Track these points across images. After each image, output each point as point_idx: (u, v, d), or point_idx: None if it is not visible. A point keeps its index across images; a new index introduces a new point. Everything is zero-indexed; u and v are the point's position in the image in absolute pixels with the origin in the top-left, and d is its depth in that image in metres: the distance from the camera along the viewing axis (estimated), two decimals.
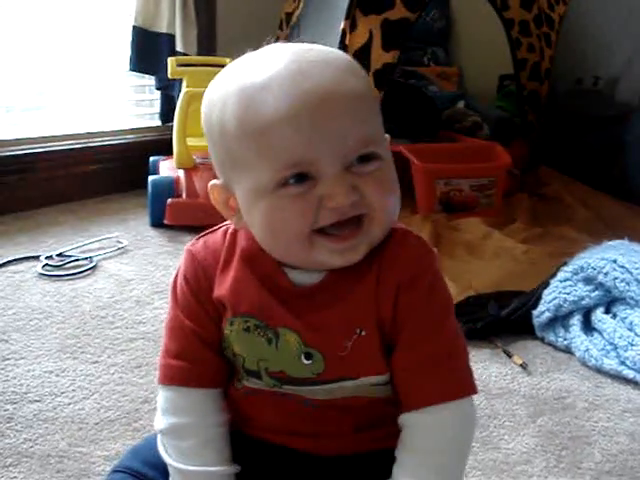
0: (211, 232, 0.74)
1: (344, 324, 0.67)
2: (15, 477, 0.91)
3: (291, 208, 0.62)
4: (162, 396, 0.73)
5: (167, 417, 0.71)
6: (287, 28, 2.42)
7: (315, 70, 0.62)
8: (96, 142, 2.42)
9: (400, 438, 0.68)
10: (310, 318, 0.68)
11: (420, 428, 0.67)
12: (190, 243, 0.74)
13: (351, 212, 0.62)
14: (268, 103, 0.61)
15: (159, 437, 0.72)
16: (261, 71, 0.63)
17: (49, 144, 2.28)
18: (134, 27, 2.42)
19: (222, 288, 0.70)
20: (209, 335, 0.71)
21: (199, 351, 0.71)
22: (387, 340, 0.68)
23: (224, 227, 0.74)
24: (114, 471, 0.76)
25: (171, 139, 2.16)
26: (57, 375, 1.17)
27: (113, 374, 1.19)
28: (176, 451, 0.71)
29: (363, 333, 0.67)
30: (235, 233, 0.72)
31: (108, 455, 0.96)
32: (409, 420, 0.68)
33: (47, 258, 1.70)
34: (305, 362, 0.68)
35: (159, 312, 1.45)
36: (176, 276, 0.73)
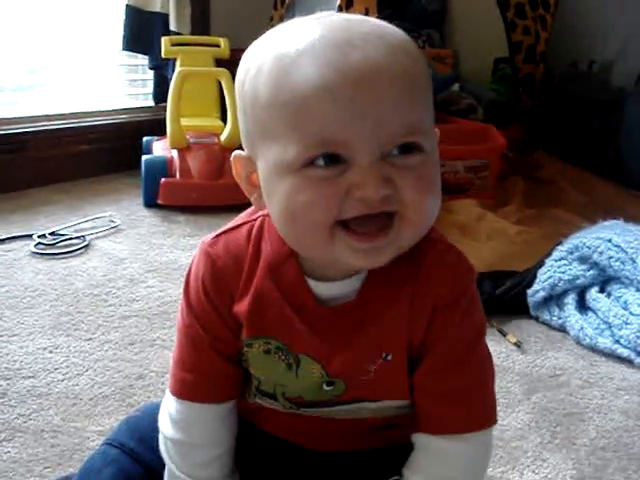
0: (233, 229, 0.66)
1: (371, 349, 0.63)
2: (8, 452, 0.91)
3: (315, 192, 0.54)
4: (173, 405, 0.68)
5: (177, 430, 0.68)
6: (282, 7, 2.40)
7: (364, 43, 0.54)
8: (89, 122, 2.41)
9: (412, 458, 0.65)
10: (336, 344, 0.63)
11: (437, 454, 0.64)
12: (208, 241, 0.66)
13: (380, 207, 0.54)
14: (307, 70, 0.53)
15: (162, 438, 0.69)
16: (304, 37, 0.55)
17: (41, 123, 2.26)
18: (127, 6, 2.40)
19: (243, 304, 0.64)
20: (228, 347, 0.66)
21: (215, 364, 0.66)
22: (412, 361, 0.64)
23: (248, 224, 0.66)
24: (108, 444, 0.74)
25: (164, 119, 2.15)
26: (50, 352, 1.17)
27: (107, 351, 1.18)
28: (180, 461, 0.69)
29: (389, 357, 0.63)
30: (260, 232, 0.65)
31: (102, 430, 0.95)
32: (425, 443, 0.65)
33: (40, 237, 1.69)
34: (326, 388, 0.65)
35: (152, 290, 1.44)
36: (188, 275, 0.67)
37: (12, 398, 1.03)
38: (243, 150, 0.63)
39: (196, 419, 0.68)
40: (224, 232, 0.66)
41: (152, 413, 0.73)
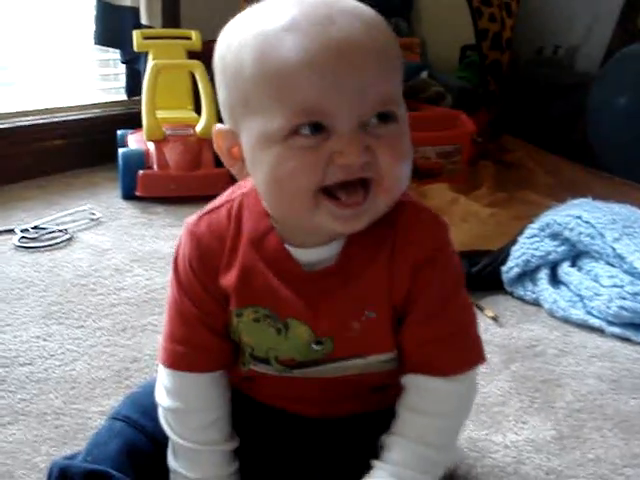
0: (214, 209, 0.71)
1: (354, 308, 0.68)
2: (14, 434, 0.94)
3: (300, 160, 0.59)
4: (166, 376, 0.73)
5: (172, 399, 0.72)
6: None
7: (344, 19, 0.59)
8: (62, 117, 2.40)
9: (404, 397, 0.70)
10: (321, 306, 0.67)
11: (428, 392, 0.69)
12: (192, 222, 0.71)
13: (360, 173, 0.60)
14: (291, 44, 0.58)
15: (161, 410, 0.73)
16: (286, 13, 0.59)
17: (14, 119, 2.26)
18: (98, 1, 2.41)
19: (228, 278, 0.69)
20: (216, 321, 0.71)
21: (206, 337, 0.71)
22: (397, 316, 0.69)
23: (228, 204, 0.71)
24: (113, 418, 0.78)
25: (137, 112, 2.16)
26: (45, 340, 1.19)
27: (100, 337, 1.21)
28: (180, 429, 0.72)
29: (372, 315, 0.68)
30: (240, 211, 0.69)
31: (103, 410, 0.98)
32: (416, 383, 0.69)
33: (23, 231, 1.71)
34: (315, 348, 0.69)
35: (139, 279, 1.47)
36: (177, 256, 0.72)
37: (12, 384, 1.06)
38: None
39: (189, 386, 0.72)
40: (206, 213, 0.72)
41: (153, 387, 0.76)
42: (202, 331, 0.71)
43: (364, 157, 0.59)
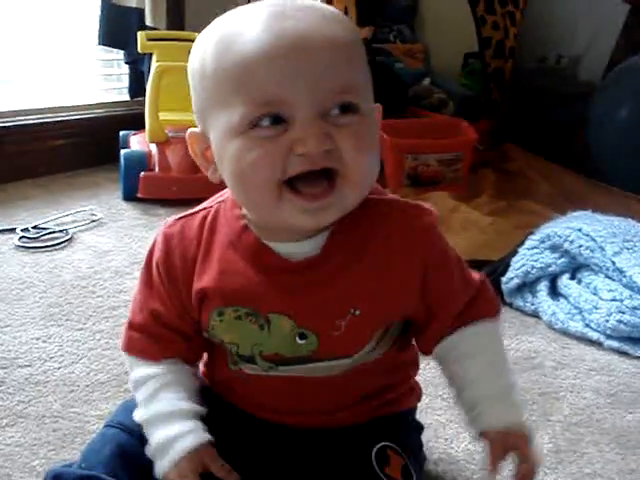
0: (191, 215, 0.73)
1: (338, 304, 0.68)
2: (12, 436, 0.94)
3: (260, 150, 0.60)
4: (127, 360, 0.76)
5: (131, 375, 0.75)
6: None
7: (299, 13, 0.60)
8: (64, 116, 2.41)
9: (454, 351, 0.73)
10: (302, 296, 0.68)
11: (471, 336, 0.72)
12: (167, 224, 0.73)
13: (322, 162, 0.60)
14: (246, 37, 0.60)
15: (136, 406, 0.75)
16: (243, 15, 0.63)
17: (16, 118, 2.26)
18: (103, 1, 2.41)
19: (205, 279, 0.70)
20: (177, 324, 0.72)
21: (164, 334, 0.73)
22: (407, 316, 0.72)
23: (205, 211, 0.73)
24: (107, 426, 0.78)
25: (140, 113, 2.17)
26: (44, 341, 1.20)
27: (99, 340, 1.21)
28: (139, 404, 0.73)
29: (357, 313, 0.68)
30: (215, 218, 0.71)
31: (101, 414, 0.99)
32: (456, 337, 0.72)
33: (23, 230, 1.71)
34: (299, 342, 0.69)
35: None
36: (151, 253, 0.73)
37: (11, 386, 1.06)
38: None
39: (145, 365, 0.74)
40: (182, 217, 0.74)
41: None
42: (162, 328, 0.73)
43: (324, 144, 0.59)
